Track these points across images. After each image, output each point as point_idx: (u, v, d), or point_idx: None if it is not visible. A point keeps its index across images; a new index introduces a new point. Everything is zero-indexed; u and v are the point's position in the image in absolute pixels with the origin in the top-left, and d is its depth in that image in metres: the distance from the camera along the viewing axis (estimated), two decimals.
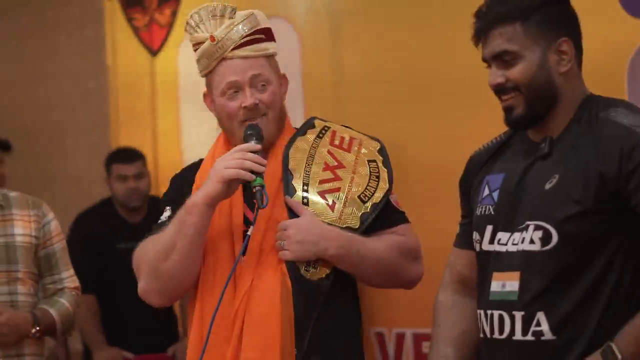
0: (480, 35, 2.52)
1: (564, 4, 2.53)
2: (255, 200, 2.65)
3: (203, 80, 2.88)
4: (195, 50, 2.83)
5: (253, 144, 2.70)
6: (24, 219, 3.48)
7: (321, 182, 2.76)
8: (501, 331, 2.47)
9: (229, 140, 2.85)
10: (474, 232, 2.60)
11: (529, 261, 2.44)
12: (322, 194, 2.75)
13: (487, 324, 2.51)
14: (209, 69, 2.81)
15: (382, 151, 2.86)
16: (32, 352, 3.44)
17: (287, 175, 2.76)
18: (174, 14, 5.57)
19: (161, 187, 4.95)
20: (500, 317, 2.47)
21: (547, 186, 2.45)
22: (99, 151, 5.95)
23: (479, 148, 2.72)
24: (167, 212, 2.80)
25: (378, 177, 2.80)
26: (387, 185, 2.80)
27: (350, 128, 2.93)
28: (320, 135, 2.85)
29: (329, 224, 2.72)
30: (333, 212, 2.74)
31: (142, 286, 2.76)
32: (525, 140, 2.57)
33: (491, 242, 2.53)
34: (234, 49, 2.77)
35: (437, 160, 4.45)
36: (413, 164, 4.54)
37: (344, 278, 2.76)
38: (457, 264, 2.73)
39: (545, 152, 2.49)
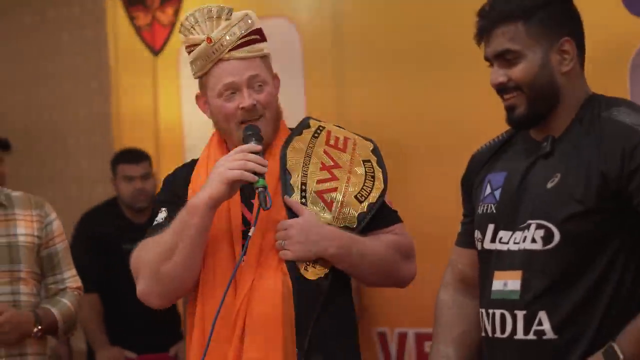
0: (483, 34, 2.51)
1: (567, 3, 2.53)
2: (253, 201, 2.64)
3: None
4: (189, 53, 2.82)
5: (254, 145, 2.69)
6: (26, 218, 3.48)
7: (319, 181, 2.76)
8: (503, 330, 2.47)
9: (224, 141, 2.85)
10: (476, 231, 2.60)
11: (531, 260, 2.43)
12: (319, 194, 2.75)
13: (488, 323, 2.51)
14: (204, 70, 2.80)
15: (375, 151, 2.87)
16: (35, 352, 3.44)
17: (285, 175, 2.76)
18: (176, 13, 5.56)
19: None
20: (502, 316, 2.47)
21: (549, 185, 2.45)
22: (100, 151, 5.95)
23: (480, 147, 2.71)
24: (162, 214, 2.79)
25: (373, 177, 2.81)
26: (383, 185, 2.81)
27: (344, 128, 2.93)
28: (316, 135, 2.85)
29: (327, 223, 2.72)
30: (331, 211, 2.74)
31: (142, 288, 2.74)
32: (527, 139, 2.57)
33: (493, 240, 2.53)
34: (230, 50, 2.76)
35: (439, 160, 4.45)
36: (414, 164, 4.54)
37: (341, 277, 2.76)
38: (459, 262, 2.73)
39: (547, 151, 2.48)
